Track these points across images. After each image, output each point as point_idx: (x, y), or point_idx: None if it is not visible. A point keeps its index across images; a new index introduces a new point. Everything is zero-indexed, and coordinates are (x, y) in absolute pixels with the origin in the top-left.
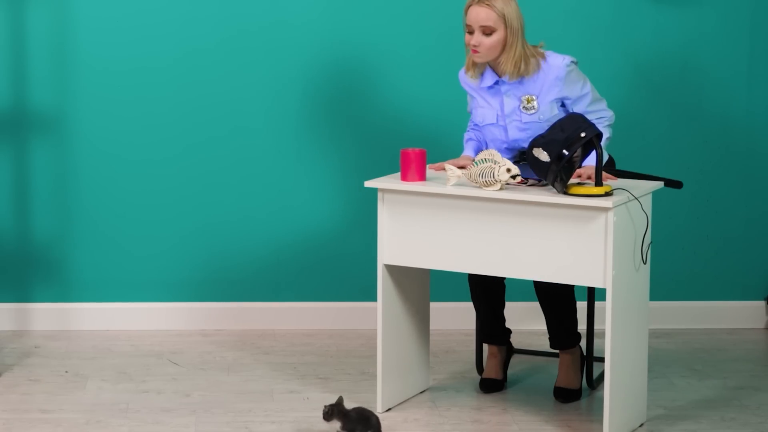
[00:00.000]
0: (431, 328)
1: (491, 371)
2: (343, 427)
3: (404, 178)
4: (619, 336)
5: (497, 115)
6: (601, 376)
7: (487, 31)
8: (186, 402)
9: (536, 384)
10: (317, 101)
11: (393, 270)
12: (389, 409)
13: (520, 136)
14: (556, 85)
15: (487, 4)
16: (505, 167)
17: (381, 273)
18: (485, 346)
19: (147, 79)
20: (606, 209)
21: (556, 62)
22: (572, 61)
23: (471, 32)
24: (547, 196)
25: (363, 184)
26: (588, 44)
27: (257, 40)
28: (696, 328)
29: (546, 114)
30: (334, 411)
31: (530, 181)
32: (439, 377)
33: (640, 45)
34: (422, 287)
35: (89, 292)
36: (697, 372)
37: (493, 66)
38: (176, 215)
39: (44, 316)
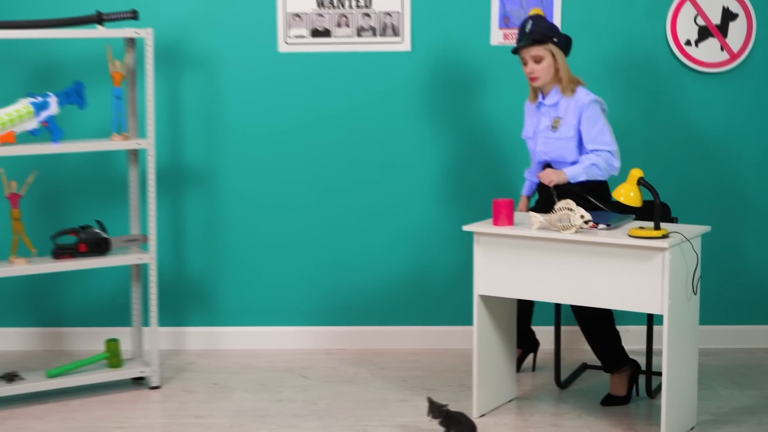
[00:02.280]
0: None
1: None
2: (441, 423)
3: (496, 223)
4: (674, 354)
5: (534, 129)
6: (659, 387)
7: (538, 59)
8: (314, 409)
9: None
10: (421, 160)
11: (486, 299)
12: (483, 415)
13: (544, 149)
14: (577, 113)
15: (538, 43)
16: (579, 214)
17: (476, 302)
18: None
19: (281, 139)
20: (663, 249)
21: (583, 94)
22: (596, 100)
23: (525, 63)
24: (614, 238)
25: (461, 227)
26: (650, 115)
27: (371, 106)
28: (738, 347)
29: (565, 135)
30: (435, 407)
31: (600, 226)
32: (524, 389)
33: (690, 114)
34: (510, 313)
35: (234, 318)
36: (738, 384)
37: (544, 88)
38: (305, 253)
39: (197, 337)
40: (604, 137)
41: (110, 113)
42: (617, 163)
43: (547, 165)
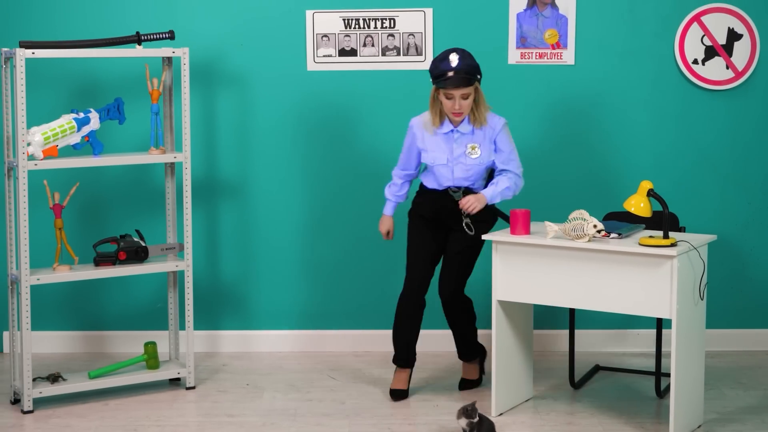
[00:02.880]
0: (534, 350)
1: (400, 382)
2: (469, 425)
3: (513, 232)
4: (682, 356)
5: (447, 158)
6: (668, 387)
7: (465, 96)
8: (341, 408)
9: (620, 396)
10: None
11: (504, 304)
12: (501, 414)
13: (464, 175)
14: (493, 138)
15: (468, 82)
16: (592, 224)
17: (495, 307)
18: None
19: (310, 152)
20: (671, 257)
21: (496, 120)
22: (506, 123)
23: (450, 98)
24: (625, 246)
25: (480, 236)
26: (659, 130)
27: (395, 122)
28: (743, 350)
29: (485, 160)
30: (468, 411)
31: (612, 235)
32: (540, 389)
33: (697, 129)
34: (527, 318)
35: (266, 321)
36: (743, 385)
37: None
38: (333, 260)
39: (230, 340)
40: (515, 159)
41: (148, 128)
42: (522, 183)
43: (462, 190)
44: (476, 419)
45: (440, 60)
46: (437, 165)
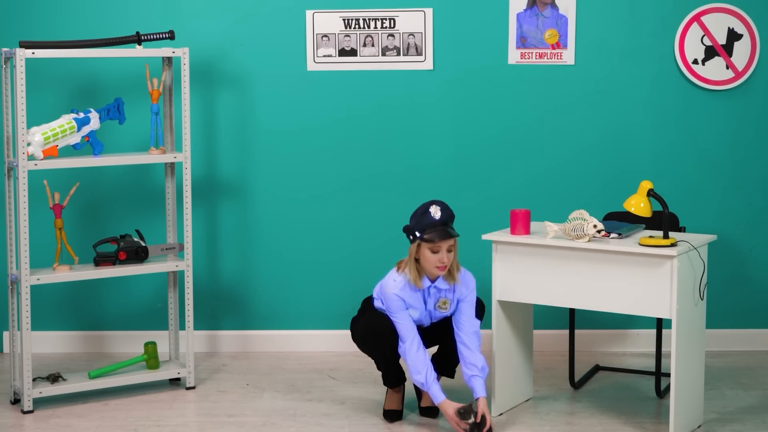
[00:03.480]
0: (534, 350)
1: (394, 403)
2: (468, 428)
3: (513, 232)
4: (682, 356)
5: (421, 312)
6: (668, 387)
7: (450, 249)
8: (341, 408)
9: (620, 396)
10: (443, 172)
11: (504, 304)
12: (501, 414)
13: (428, 325)
14: (464, 298)
15: (453, 233)
16: (592, 224)
17: (495, 307)
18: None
19: (310, 152)
20: (671, 257)
21: (468, 279)
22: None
23: (437, 252)
24: (625, 246)
25: (480, 236)
26: (659, 130)
27: (394, 121)
28: (743, 350)
29: (450, 311)
30: (462, 414)
31: (612, 235)
32: (541, 389)
33: (697, 129)
34: (527, 318)
35: (266, 322)
36: (743, 385)
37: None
38: (333, 260)
39: (230, 340)
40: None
41: (148, 128)
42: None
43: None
44: (472, 420)
45: (421, 214)
46: (418, 322)
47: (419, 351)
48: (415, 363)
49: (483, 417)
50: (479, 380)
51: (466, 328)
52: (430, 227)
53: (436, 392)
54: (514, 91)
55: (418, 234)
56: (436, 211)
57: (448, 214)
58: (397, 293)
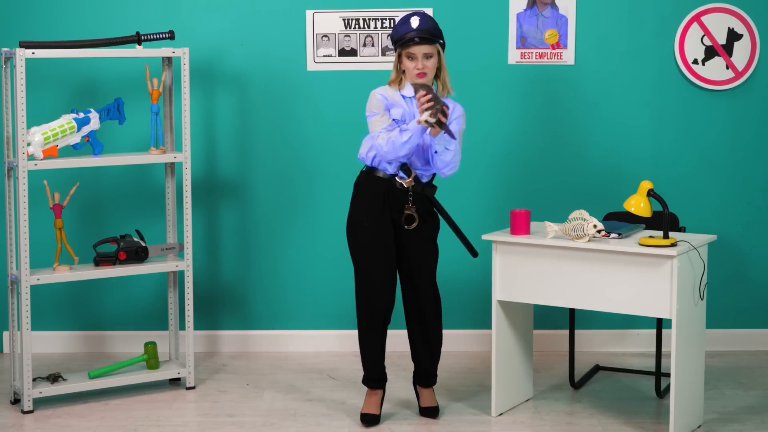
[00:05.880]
0: (534, 350)
1: (371, 407)
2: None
3: (513, 231)
4: (682, 356)
5: (405, 112)
6: (668, 387)
7: (429, 56)
8: (342, 408)
9: (620, 396)
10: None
11: (504, 304)
12: (501, 414)
13: (429, 142)
14: (458, 118)
15: (430, 42)
16: (592, 224)
17: (495, 307)
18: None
19: (310, 152)
20: (671, 257)
21: (458, 105)
22: (464, 113)
23: (412, 58)
24: (625, 246)
25: (480, 236)
26: (659, 130)
27: None
28: (742, 350)
29: (451, 120)
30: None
31: (612, 235)
32: (540, 389)
33: (697, 129)
34: (527, 318)
35: (266, 322)
36: (743, 385)
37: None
38: (333, 260)
39: (230, 340)
40: (459, 151)
41: (148, 128)
42: (457, 169)
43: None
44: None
45: (401, 23)
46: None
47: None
48: (392, 135)
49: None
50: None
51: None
52: (406, 34)
53: (412, 124)
54: (514, 92)
55: (394, 44)
56: (415, 21)
57: (428, 25)
58: (378, 91)
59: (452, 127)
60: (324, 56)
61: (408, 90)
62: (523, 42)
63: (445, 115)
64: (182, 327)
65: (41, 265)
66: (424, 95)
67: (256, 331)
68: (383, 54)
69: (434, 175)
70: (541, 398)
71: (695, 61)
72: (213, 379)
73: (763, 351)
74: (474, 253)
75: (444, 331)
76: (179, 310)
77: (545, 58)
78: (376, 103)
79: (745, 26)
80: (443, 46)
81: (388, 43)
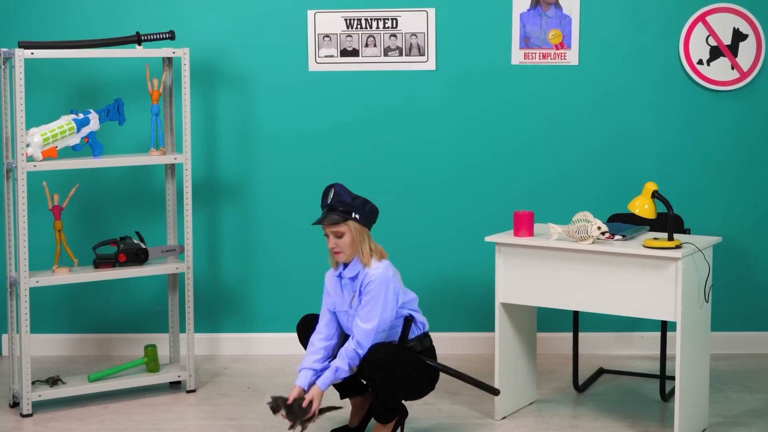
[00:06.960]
0: (537, 352)
1: (350, 419)
2: (285, 415)
3: (516, 233)
4: (687, 359)
5: (337, 300)
6: (672, 391)
7: (339, 235)
8: (342, 411)
9: (624, 399)
10: (444, 172)
11: (507, 307)
12: (504, 417)
13: (350, 326)
14: (366, 285)
15: (336, 220)
16: (596, 225)
17: (498, 309)
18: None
19: (312, 154)
20: (676, 259)
21: (377, 271)
22: (384, 276)
23: (327, 236)
24: (630, 248)
25: (483, 238)
26: (664, 131)
27: (397, 122)
28: (748, 353)
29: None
30: (279, 403)
31: (616, 237)
32: (544, 392)
33: (702, 130)
34: (530, 320)
35: (266, 324)
36: (748, 388)
37: (348, 260)
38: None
39: (231, 343)
40: (368, 321)
41: (148, 129)
42: (363, 351)
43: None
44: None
45: (322, 196)
46: (339, 312)
47: (315, 339)
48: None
49: (310, 403)
50: (328, 374)
51: (352, 330)
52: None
53: (299, 377)
54: (518, 92)
55: None
56: (328, 191)
57: (339, 200)
58: (326, 277)
59: (362, 298)
60: (326, 56)
61: (340, 268)
62: (526, 42)
63: (309, 418)
64: (182, 330)
65: (40, 268)
66: (283, 416)
67: (256, 334)
68: (385, 54)
69: (404, 331)
70: (545, 401)
71: (700, 62)
72: (213, 383)
73: None
74: (495, 392)
75: (447, 334)
76: (179, 313)
77: (549, 58)
78: (325, 284)
79: (751, 26)
80: (361, 220)
81: (390, 43)
